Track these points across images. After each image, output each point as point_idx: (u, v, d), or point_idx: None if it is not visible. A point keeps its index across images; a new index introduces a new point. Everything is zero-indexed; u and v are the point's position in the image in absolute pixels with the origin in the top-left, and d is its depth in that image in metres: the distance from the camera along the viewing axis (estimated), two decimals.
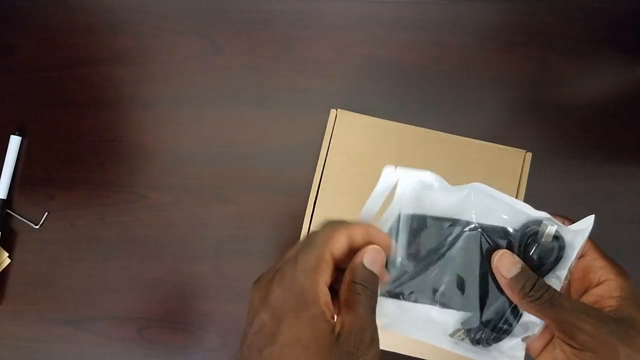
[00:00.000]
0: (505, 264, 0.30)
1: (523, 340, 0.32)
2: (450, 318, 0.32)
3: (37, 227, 0.56)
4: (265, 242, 0.56)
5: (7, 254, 0.56)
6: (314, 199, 0.49)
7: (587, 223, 0.32)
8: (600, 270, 0.31)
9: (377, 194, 0.32)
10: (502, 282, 0.31)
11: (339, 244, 0.28)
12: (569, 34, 0.57)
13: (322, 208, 0.49)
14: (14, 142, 0.56)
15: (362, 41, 0.57)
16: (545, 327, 0.32)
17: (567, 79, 0.57)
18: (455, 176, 0.50)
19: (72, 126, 0.57)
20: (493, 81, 0.56)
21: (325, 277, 0.27)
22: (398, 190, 0.32)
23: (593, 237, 0.32)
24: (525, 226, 0.31)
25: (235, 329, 0.55)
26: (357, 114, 0.51)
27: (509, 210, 0.31)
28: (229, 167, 0.56)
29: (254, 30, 0.58)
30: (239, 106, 0.57)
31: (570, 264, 0.31)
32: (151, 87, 0.57)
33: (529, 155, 0.50)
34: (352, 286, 0.28)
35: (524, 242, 0.31)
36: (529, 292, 0.29)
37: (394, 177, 0.32)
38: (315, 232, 0.29)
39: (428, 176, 0.33)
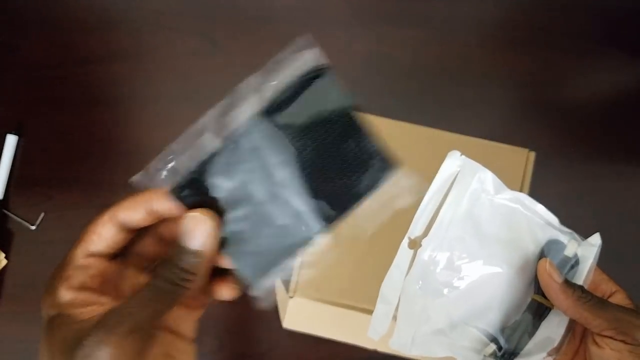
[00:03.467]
0: (555, 269, 0.30)
1: (549, 354, 0.32)
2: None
3: (34, 227, 0.56)
4: None
5: (4, 255, 0.55)
6: None
7: (596, 239, 0.33)
8: (609, 282, 0.33)
9: (439, 183, 0.32)
10: (553, 287, 0.30)
11: (96, 235, 0.25)
12: (571, 33, 0.57)
13: None
14: (11, 141, 0.56)
15: (363, 39, 0.57)
16: (571, 337, 0.32)
17: (569, 77, 0.56)
18: None
19: (69, 125, 0.57)
20: (495, 79, 0.56)
21: (75, 281, 0.24)
22: (458, 186, 0.32)
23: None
24: (552, 240, 0.32)
25: (234, 332, 0.55)
26: (359, 112, 0.51)
27: (541, 223, 0.32)
28: None
29: (254, 29, 0.57)
30: None
31: (585, 275, 0.32)
32: (150, 86, 0.57)
33: (532, 154, 0.49)
34: (157, 273, 0.24)
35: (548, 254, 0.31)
36: (583, 294, 0.30)
37: (456, 166, 0.32)
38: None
39: (490, 177, 0.32)
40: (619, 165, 0.56)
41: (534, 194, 0.49)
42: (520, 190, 0.49)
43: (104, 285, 0.25)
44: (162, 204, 0.25)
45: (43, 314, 0.24)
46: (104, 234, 0.25)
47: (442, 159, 0.50)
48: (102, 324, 0.22)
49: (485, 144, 0.50)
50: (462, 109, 0.56)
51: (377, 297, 0.47)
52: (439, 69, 0.56)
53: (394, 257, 0.48)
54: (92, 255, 0.25)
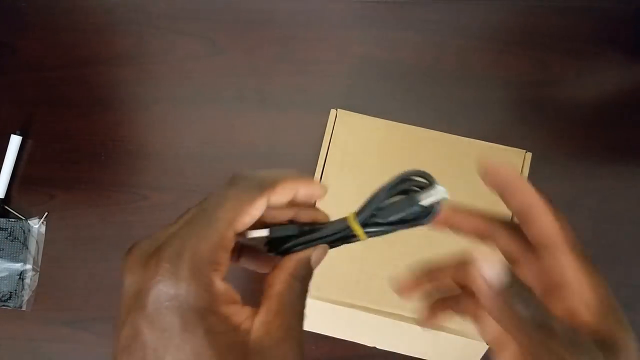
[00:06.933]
0: (493, 269, 0.22)
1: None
2: None
3: (37, 227, 0.56)
4: None
5: None
6: None
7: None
8: (572, 274, 0.23)
9: None
10: (483, 291, 0.23)
11: (249, 218, 0.22)
12: (569, 34, 0.57)
13: (322, 208, 0.49)
14: (15, 141, 0.56)
15: (362, 41, 0.57)
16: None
17: (566, 78, 0.57)
18: (454, 176, 0.50)
19: (72, 126, 0.58)
20: (493, 81, 0.56)
21: (223, 270, 0.21)
22: None
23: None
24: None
25: None
26: (357, 114, 0.51)
27: None
28: (229, 167, 0.56)
29: (254, 31, 0.58)
30: (239, 106, 0.57)
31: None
32: (151, 87, 0.58)
33: (529, 155, 0.50)
34: (291, 283, 0.23)
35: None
36: (519, 306, 0.22)
37: None
38: (219, 200, 0.22)
39: None
40: (615, 165, 0.56)
41: None
42: None
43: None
44: (309, 190, 0.25)
45: (180, 292, 0.20)
46: (255, 215, 0.23)
47: (439, 160, 0.51)
48: (282, 347, 0.21)
49: (482, 144, 0.51)
50: (459, 110, 0.56)
51: (376, 295, 0.48)
52: (437, 71, 0.57)
53: (393, 256, 0.49)
54: (238, 236, 0.23)
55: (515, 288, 0.22)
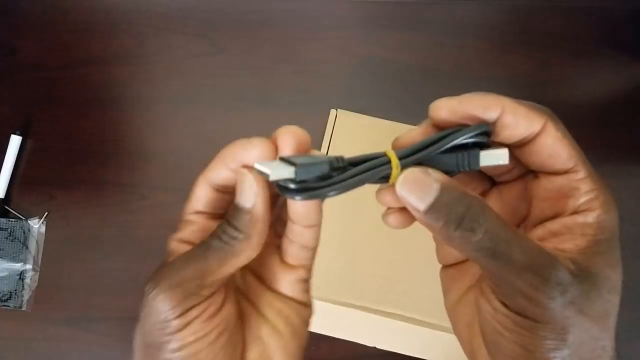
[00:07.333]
0: (415, 189, 0.20)
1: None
2: None
3: (37, 226, 0.56)
4: None
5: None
6: None
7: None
8: (584, 196, 0.22)
9: None
10: (417, 217, 0.21)
11: (195, 197, 0.25)
12: (569, 34, 0.57)
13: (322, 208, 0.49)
14: (15, 141, 0.56)
15: (361, 41, 0.57)
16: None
17: (566, 78, 0.57)
18: None
19: (72, 126, 0.58)
20: (492, 81, 0.56)
21: (178, 235, 0.25)
22: None
23: None
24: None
25: None
26: (357, 114, 0.51)
27: None
28: None
29: (254, 31, 0.58)
30: (239, 106, 0.57)
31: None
32: (151, 87, 0.58)
33: None
34: (215, 232, 0.23)
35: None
36: (455, 230, 0.20)
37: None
38: None
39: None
40: (615, 165, 0.56)
41: None
42: None
43: None
44: (239, 158, 0.23)
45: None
46: (199, 194, 0.25)
47: None
48: (154, 276, 0.23)
49: None
50: None
51: (375, 295, 0.48)
52: (437, 70, 0.57)
53: (393, 255, 0.49)
54: (197, 212, 0.25)
55: (446, 204, 0.20)
